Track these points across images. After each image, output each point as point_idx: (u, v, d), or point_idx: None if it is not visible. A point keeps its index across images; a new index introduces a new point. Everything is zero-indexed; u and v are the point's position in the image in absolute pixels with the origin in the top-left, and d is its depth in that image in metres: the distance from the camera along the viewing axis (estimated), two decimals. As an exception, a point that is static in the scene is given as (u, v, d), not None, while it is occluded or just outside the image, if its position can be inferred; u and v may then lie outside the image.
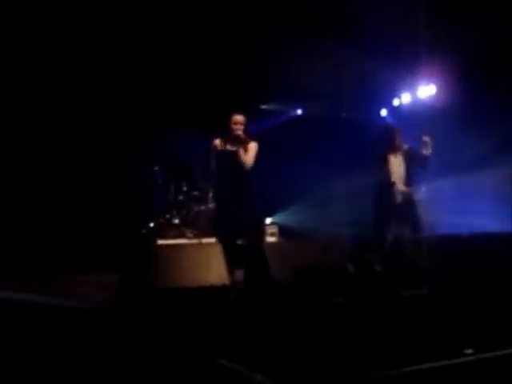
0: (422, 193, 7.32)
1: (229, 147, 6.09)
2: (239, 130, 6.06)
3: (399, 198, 6.95)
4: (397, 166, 7.06)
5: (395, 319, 4.68)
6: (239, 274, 5.99)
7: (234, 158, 6.04)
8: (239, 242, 6.07)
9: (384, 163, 7.06)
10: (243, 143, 6.06)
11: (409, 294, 5.68)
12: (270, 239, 8.44)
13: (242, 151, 6.01)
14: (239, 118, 6.11)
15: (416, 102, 10.48)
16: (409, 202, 6.97)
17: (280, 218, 9.57)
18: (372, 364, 3.41)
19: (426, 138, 6.91)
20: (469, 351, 3.55)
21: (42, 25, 8.00)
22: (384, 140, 7.22)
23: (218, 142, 6.14)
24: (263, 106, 11.58)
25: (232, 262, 6.00)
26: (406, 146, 7.18)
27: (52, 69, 8.92)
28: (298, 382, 3.26)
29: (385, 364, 3.36)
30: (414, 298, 5.55)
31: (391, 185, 6.95)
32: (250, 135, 6.18)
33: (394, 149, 7.13)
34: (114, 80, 9.35)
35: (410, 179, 7.04)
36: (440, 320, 4.54)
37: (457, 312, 4.78)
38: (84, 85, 9.34)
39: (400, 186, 6.99)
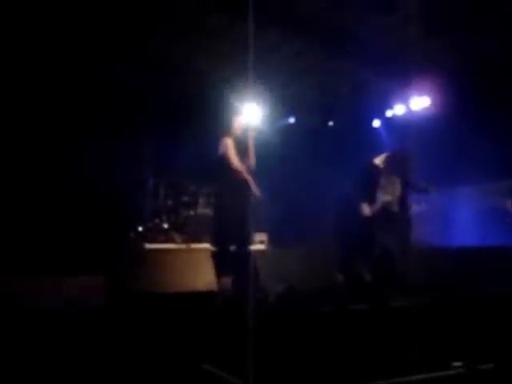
0: (414, 205, 7.27)
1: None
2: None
3: (380, 208, 6.88)
4: (387, 176, 6.96)
5: (384, 330, 4.65)
6: (227, 281, 5.94)
7: (242, 161, 6.01)
8: (230, 248, 6.01)
9: (374, 172, 6.96)
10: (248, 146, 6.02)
11: (398, 304, 5.66)
12: (259, 247, 8.39)
13: (252, 154, 5.98)
14: (242, 120, 6.08)
15: (409, 114, 10.49)
16: (392, 213, 6.89)
17: (270, 225, 9.50)
18: (360, 374, 3.38)
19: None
20: (457, 364, 3.52)
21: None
22: (388, 156, 7.02)
23: (231, 142, 6.05)
24: None
25: (221, 269, 5.95)
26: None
27: (45, 71, 8.91)
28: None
29: (373, 375, 3.32)
30: (402, 308, 5.53)
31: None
32: None
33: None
34: (104, 88, 9.33)
35: (402, 191, 6.94)
36: (429, 332, 4.51)
37: (446, 324, 4.75)
38: (76, 89, 9.32)
39: (383, 197, 6.91)
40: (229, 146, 5.99)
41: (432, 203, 9.29)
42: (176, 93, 9.87)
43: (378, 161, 6.90)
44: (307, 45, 8.79)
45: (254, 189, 5.97)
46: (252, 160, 6.06)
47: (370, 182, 6.94)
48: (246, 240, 6.04)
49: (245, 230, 5.97)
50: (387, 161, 6.90)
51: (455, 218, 9.42)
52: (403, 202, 6.90)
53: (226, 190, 6.17)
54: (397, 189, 6.88)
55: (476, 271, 6.78)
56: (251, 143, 6.05)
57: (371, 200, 6.86)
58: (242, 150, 6.06)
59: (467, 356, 3.66)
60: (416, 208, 7.87)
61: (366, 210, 6.84)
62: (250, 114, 6.59)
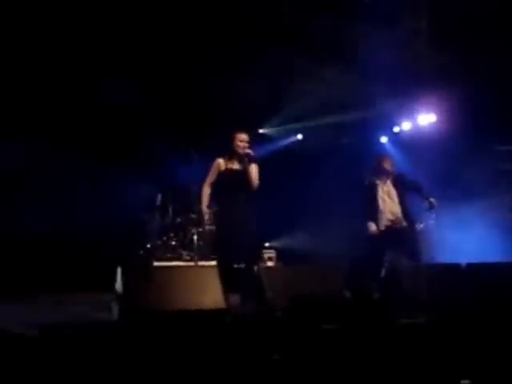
0: (423, 221, 7.25)
1: (235, 166, 5.97)
2: (247, 149, 5.95)
3: (385, 226, 6.89)
4: (386, 193, 6.98)
5: (390, 347, 4.63)
6: (235, 298, 5.93)
7: (241, 177, 5.95)
8: (237, 265, 5.99)
9: (372, 191, 7.00)
10: (249, 163, 5.96)
11: (405, 322, 5.64)
12: (268, 264, 8.39)
13: (252, 170, 5.93)
14: (245, 136, 6.00)
15: (416, 130, 10.52)
16: (400, 230, 6.89)
17: (278, 242, 9.51)
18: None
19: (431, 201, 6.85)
20: (465, 382, 3.50)
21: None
22: (372, 167, 7.15)
23: (221, 160, 6.02)
24: (262, 131, 11.60)
25: (228, 286, 5.94)
26: (395, 173, 7.10)
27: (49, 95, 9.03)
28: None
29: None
30: (410, 326, 5.51)
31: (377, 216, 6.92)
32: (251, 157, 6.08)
33: (383, 176, 7.05)
34: (114, 104, 9.43)
35: (403, 206, 6.95)
36: (436, 349, 4.49)
37: (453, 342, 4.73)
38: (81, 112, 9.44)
39: (387, 215, 6.92)
40: (211, 167, 6.03)
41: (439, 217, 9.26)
42: (184, 111, 9.96)
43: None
44: (315, 62, 8.86)
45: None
46: (254, 180, 6.01)
47: (370, 197, 6.98)
48: (251, 257, 6.02)
49: (248, 246, 5.94)
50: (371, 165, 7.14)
51: (464, 233, 9.37)
52: (407, 216, 6.93)
53: (221, 208, 6.17)
54: (397, 204, 6.91)
55: (488, 288, 6.74)
56: (251, 163, 5.99)
57: (375, 216, 6.90)
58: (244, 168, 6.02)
59: (476, 374, 3.64)
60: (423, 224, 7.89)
61: (372, 227, 6.87)
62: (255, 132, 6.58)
